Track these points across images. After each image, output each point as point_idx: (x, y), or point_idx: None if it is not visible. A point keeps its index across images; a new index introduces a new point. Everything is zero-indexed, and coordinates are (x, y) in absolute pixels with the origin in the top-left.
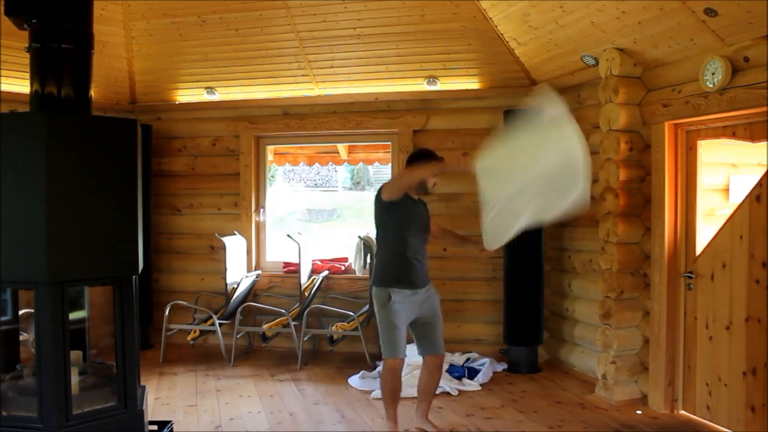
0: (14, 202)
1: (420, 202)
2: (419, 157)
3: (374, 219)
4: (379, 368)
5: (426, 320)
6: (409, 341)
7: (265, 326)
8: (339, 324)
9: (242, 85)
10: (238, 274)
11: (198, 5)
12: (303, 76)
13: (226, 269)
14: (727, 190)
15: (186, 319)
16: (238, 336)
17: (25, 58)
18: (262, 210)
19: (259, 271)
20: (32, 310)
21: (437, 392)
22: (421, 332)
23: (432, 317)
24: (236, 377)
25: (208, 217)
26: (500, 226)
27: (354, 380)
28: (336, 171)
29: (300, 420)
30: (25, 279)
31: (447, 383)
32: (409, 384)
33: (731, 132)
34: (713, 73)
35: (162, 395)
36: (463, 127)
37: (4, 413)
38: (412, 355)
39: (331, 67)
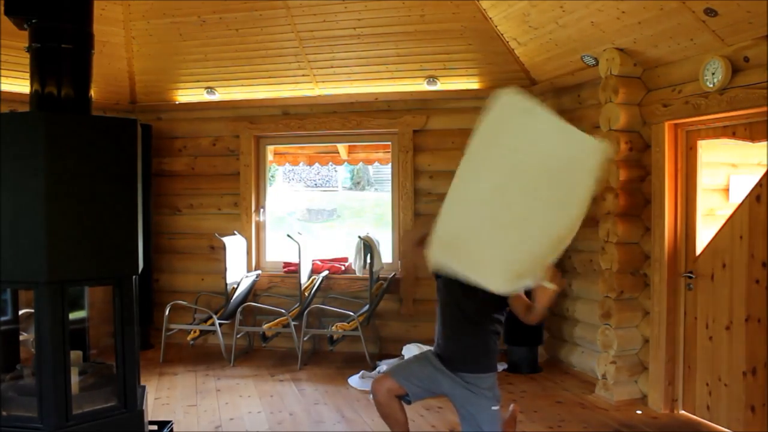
0: (14, 202)
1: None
2: None
3: None
4: (380, 368)
5: (459, 412)
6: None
7: (265, 326)
8: (339, 324)
9: (242, 85)
10: (238, 274)
11: (198, 5)
12: (303, 76)
13: (226, 269)
14: (727, 190)
15: (186, 319)
16: (238, 336)
17: (25, 58)
18: (262, 210)
19: (259, 271)
20: (32, 310)
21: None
22: (459, 416)
23: (464, 419)
24: (236, 377)
25: (209, 217)
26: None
27: (354, 380)
28: (336, 171)
29: (300, 420)
30: (25, 279)
31: None
32: None
33: (731, 132)
34: (713, 73)
35: (162, 395)
36: (463, 127)
37: (4, 413)
38: (411, 355)
39: (331, 67)
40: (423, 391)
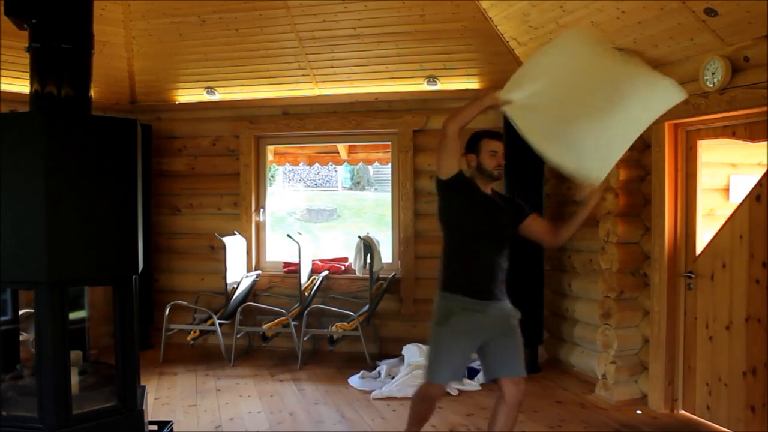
0: (14, 202)
1: (499, 202)
2: (474, 140)
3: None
4: (379, 368)
5: (499, 337)
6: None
7: (265, 326)
8: (339, 324)
9: (242, 85)
10: (238, 274)
11: (198, 5)
12: (303, 76)
13: (226, 269)
14: (727, 190)
15: (186, 319)
16: (238, 336)
17: (25, 58)
18: (262, 210)
19: (259, 271)
20: (32, 310)
21: None
22: (493, 350)
23: (506, 335)
24: (236, 377)
25: (208, 217)
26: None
27: (354, 380)
28: (336, 171)
29: (300, 420)
30: (25, 279)
31: None
32: (408, 384)
33: (731, 132)
34: (713, 73)
35: (162, 395)
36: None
37: (4, 413)
38: (411, 355)
39: (331, 67)
40: (467, 360)
